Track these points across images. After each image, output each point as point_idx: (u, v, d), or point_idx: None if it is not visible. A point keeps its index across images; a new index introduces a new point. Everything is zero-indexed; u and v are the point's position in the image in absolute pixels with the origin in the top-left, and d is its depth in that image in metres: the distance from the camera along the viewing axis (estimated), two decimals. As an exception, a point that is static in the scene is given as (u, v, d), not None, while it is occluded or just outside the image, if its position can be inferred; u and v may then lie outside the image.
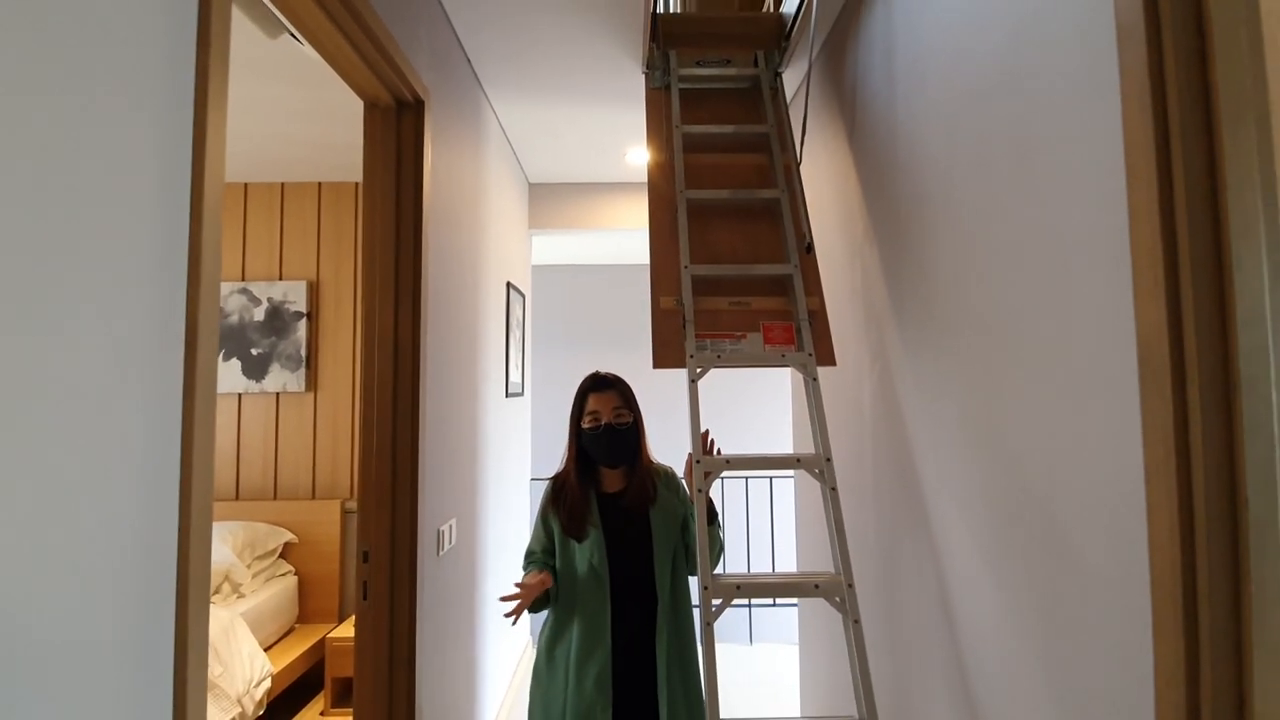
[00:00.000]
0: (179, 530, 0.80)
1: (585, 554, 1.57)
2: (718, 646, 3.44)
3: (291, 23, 1.40)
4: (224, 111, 0.91)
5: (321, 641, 2.90)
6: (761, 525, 4.58)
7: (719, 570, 1.60)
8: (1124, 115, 0.86)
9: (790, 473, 3.14)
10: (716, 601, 1.34)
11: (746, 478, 4.27)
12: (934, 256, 1.43)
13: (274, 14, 1.57)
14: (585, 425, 1.64)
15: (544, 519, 1.67)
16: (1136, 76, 0.84)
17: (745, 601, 4.38)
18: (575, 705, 1.49)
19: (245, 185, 3.40)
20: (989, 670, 1.20)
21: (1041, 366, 1.05)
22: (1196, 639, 0.78)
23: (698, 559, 1.39)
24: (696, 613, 1.48)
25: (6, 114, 0.61)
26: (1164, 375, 0.80)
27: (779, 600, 4.10)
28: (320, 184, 3.45)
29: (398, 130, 1.71)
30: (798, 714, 1.49)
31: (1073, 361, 0.97)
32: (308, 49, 1.86)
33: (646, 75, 2.33)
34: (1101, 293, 0.92)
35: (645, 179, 2.09)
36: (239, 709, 2.34)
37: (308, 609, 3.15)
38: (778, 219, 1.93)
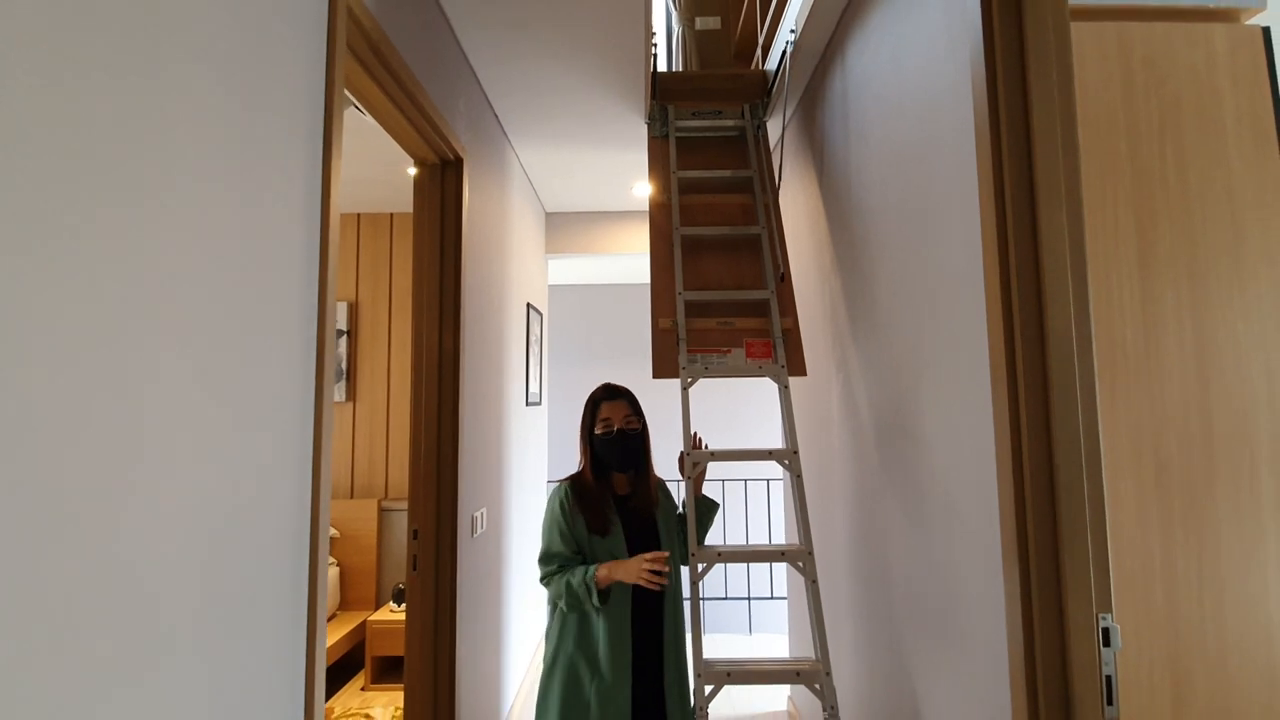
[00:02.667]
0: (311, 496, 1.15)
1: (608, 549, 1.69)
2: (718, 637, 3.78)
3: (363, 105, 1.78)
4: (339, 167, 1.26)
5: (362, 625, 3.24)
6: (759, 523, 4.89)
7: (711, 542, 1.91)
8: (979, 195, 1.20)
9: (781, 477, 3.46)
10: (701, 566, 1.67)
11: (745, 480, 4.59)
12: (875, 284, 1.76)
13: (348, 96, 1.94)
14: (598, 431, 1.76)
15: (565, 521, 1.71)
16: (986, 166, 1.18)
17: (744, 595, 4.68)
18: (602, 686, 1.60)
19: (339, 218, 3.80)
20: (912, 603, 1.52)
21: (942, 375, 1.37)
22: (1028, 565, 1.10)
23: (681, 531, 1.71)
24: (687, 605, 1.70)
25: (238, 173, 0.96)
26: (1003, 380, 1.13)
27: (775, 594, 4.39)
28: (359, 215, 3.85)
29: (441, 183, 2.08)
30: (776, 677, 1.73)
31: (960, 372, 1.30)
32: (368, 118, 2.25)
33: (648, 125, 2.70)
34: (977, 318, 1.25)
35: (648, 207, 2.41)
36: (295, 678, 2.68)
37: (348, 597, 3.50)
38: (759, 251, 2.28)
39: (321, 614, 1.15)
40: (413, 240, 2.06)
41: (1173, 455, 1.24)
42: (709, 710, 1.50)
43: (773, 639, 3.96)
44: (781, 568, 4.72)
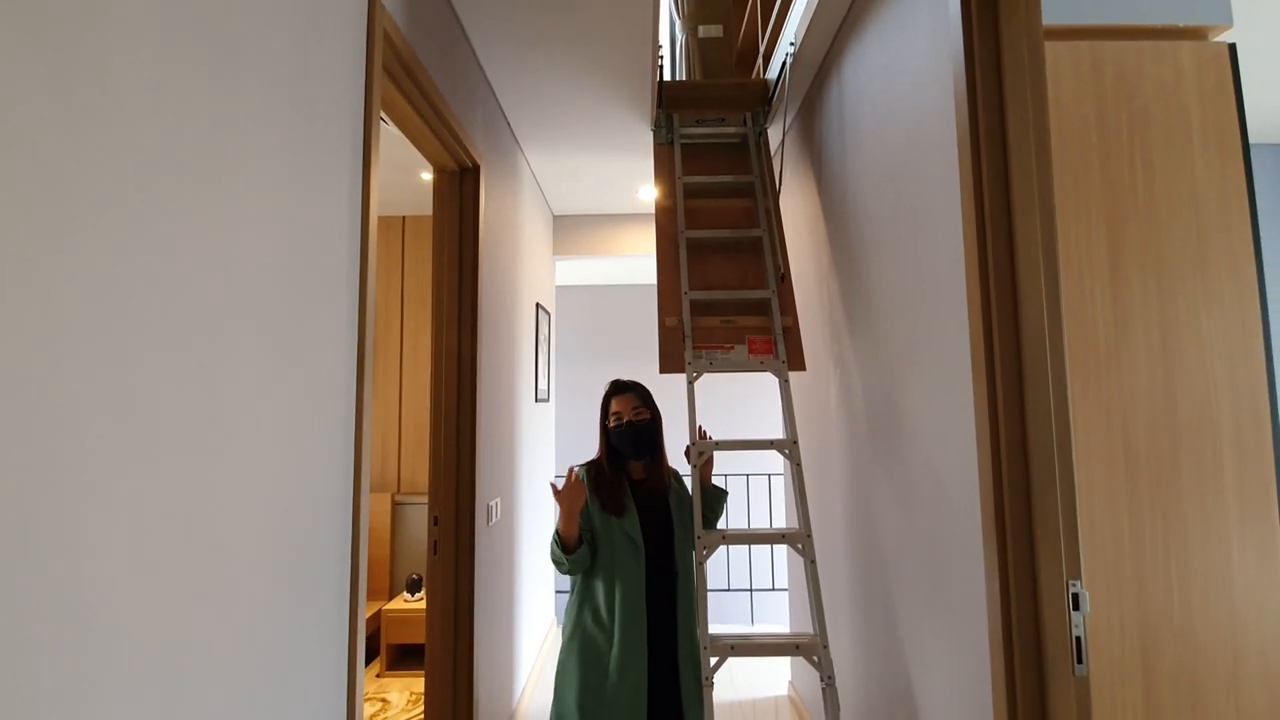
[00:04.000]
0: (353, 487, 1.26)
1: (624, 528, 1.81)
2: (723, 628, 3.90)
3: (391, 117, 1.90)
4: (376, 173, 1.38)
5: (378, 613, 3.35)
6: (760, 516, 5.00)
7: (721, 525, 2.03)
8: (961, 202, 1.31)
9: (782, 472, 3.57)
10: (706, 549, 1.78)
11: (748, 475, 4.71)
12: (869, 285, 1.87)
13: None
14: (611, 424, 1.90)
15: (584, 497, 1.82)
16: (966, 174, 1.29)
17: (747, 587, 4.79)
18: (619, 656, 1.71)
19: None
20: (904, 581, 1.63)
21: (929, 368, 1.48)
22: (1005, 538, 1.21)
23: (693, 515, 1.82)
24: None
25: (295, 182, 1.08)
26: (982, 369, 1.24)
27: (777, 586, 4.50)
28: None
29: (460, 191, 2.20)
30: (777, 649, 1.84)
31: (945, 365, 1.41)
32: (390, 127, 2.36)
33: (654, 132, 2.81)
34: (960, 314, 1.36)
35: (654, 211, 2.53)
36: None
37: (363, 588, 3.62)
38: (760, 253, 2.39)
39: (362, 588, 1.27)
40: (432, 244, 2.17)
41: (1141, 439, 1.35)
42: (714, 681, 1.61)
43: (774, 630, 4.07)
44: (783, 560, 4.83)
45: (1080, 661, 1.15)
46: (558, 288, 5.19)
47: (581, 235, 4.21)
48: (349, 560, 1.23)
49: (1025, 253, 1.23)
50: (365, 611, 1.28)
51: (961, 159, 1.29)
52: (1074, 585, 1.16)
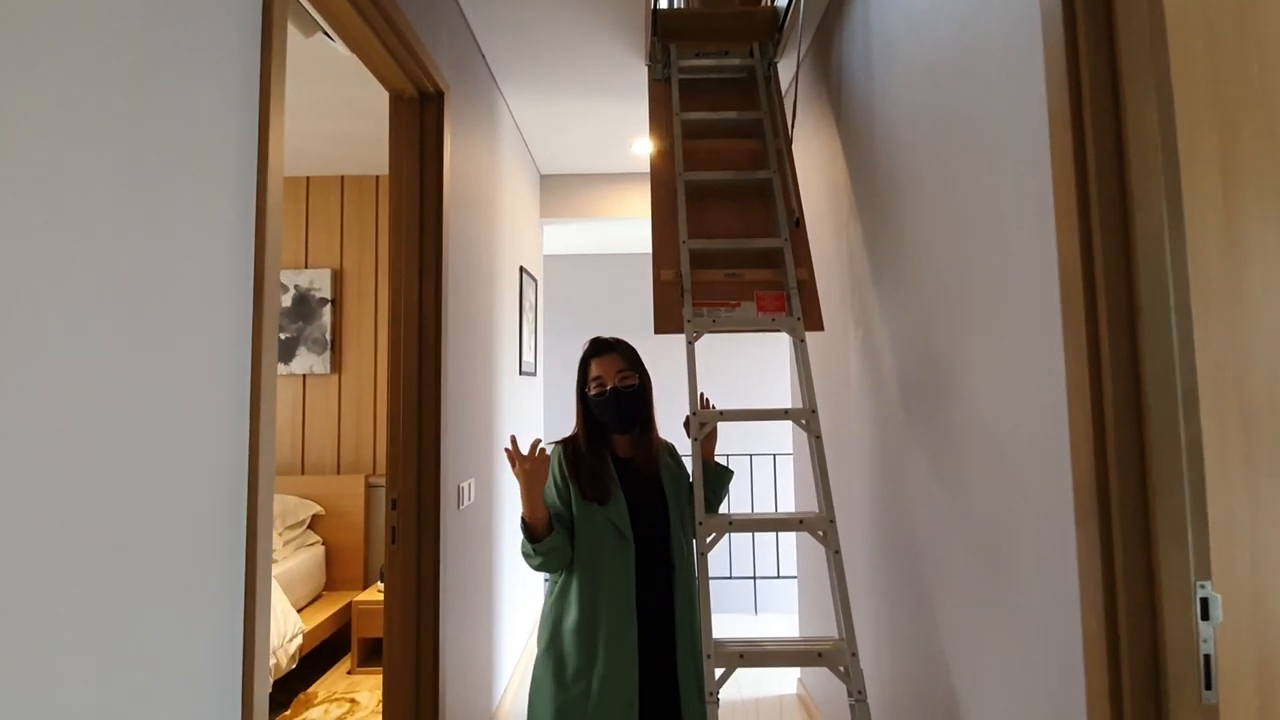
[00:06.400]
0: (248, 481, 0.96)
1: (608, 517, 1.49)
2: (726, 617, 3.58)
3: (327, 21, 1.57)
4: (283, 107, 1.07)
5: (348, 606, 3.08)
6: (764, 500, 4.74)
7: (723, 509, 1.72)
8: (1047, 87, 1.00)
9: (790, 450, 3.29)
10: (710, 536, 1.50)
11: (751, 454, 4.44)
12: (903, 225, 1.57)
13: (311, 14, 1.74)
14: (591, 392, 1.56)
15: (557, 483, 1.55)
16: (1056, 52, 0.98)
17: (750, 575, 4.54)
18: (605, 670, 1.41)
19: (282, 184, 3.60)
20: (945, 574, 1.35)
21: (986, 312, 1.19)
22: (1110, 525, 0.92)
23: (694, 495, 1.53)
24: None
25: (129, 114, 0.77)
26: (1079, 302, 0.94)
27: (782, 574, 4.25)
28: (343, 177, 3.64)
29: (421, 120, 1.88)
30: (795, 658, 1.57)
31: (1010, 313, 1.12)
32: (339, 46, 2.04)
33: (649, 68, 2.49)
34: (1031, 242, 1.06)
35: (649, 169, 2.22)
36: (273, 660, 2.53)
37: (335, 577, 3.34)
38: (770, 199, 2.08)
39: (262, 610, 0.98)
40: (389, 180, 1.86)
41: (1259, 396, 1.06)
42: (719, 697, 1.33)
43: (779, 618, 3.81)
44: (789, 546, 4.57)
45: (1209, 687, 0.87)
46: (549, 257, 4.87)
47: (571, 197, 3.88)
48: (241, 575, 0.94)
49: (1139, 147, 0.93)
50: (265, 625, 0.99)
51: (1048, 27, 0.99)
52: (1203, 587, 0.88)
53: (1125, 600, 0.89)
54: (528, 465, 1.43)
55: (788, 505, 4.66)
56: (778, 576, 4.16)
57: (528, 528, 1.46)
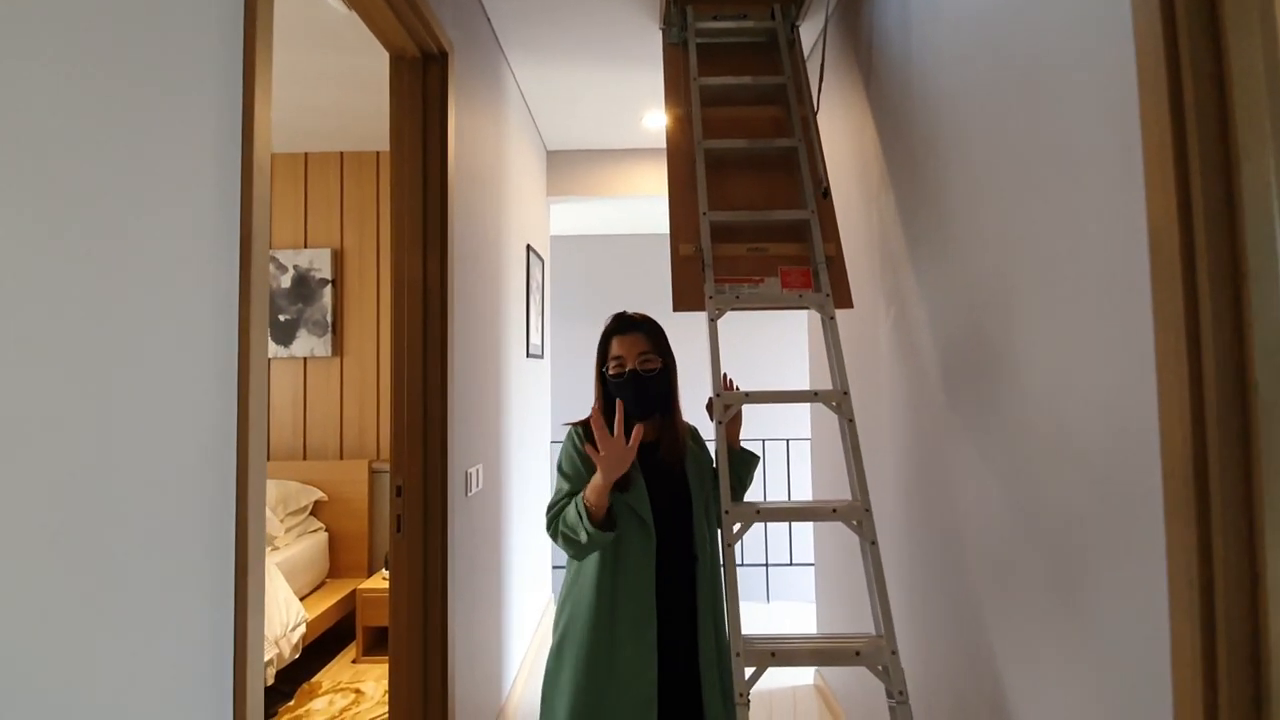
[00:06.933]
0: (238, 470, 0.86)
1: (629, 504, 1.38)
2: (746, 607, 3.39)
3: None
4: (269, 76, 0.96)
5: (352, 593, 3.00)
6: (777, 488, 4.65)
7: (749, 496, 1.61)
8: (1134, 22, 0.88)
9: (807, 435, 3.18)
10: (736, 526, 1.40)
11: (764, 440, 4.33)
12: (947, 189, 1.45)
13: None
14: (610, 372, 1.46)
15: (578, 462, 1.44)
16: (1148, -21, 0.86)
17: (762, 562, 4.46)
18: (623, 666, 1.32)
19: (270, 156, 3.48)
20: (994, 568, 1.25)
21: (1050, 280, 1.08)
22: (1209, 518, 0.81)
23: (717, 485, 1.43)
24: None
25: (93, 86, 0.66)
26: (1174, 263, 0.83)
27: (795, 561, 4.17)
28: (343, 153, 3.51)
29: (424, 82, 1.76)
30: (830, 657, 1.47)
31: (1082, 266, 1.00)
32: (335, 3, 1.91)
33: (664, 31, 2.35)
34: (1109, 198, 0.95)
35: (663, 143, 2.11)
36: (275, 650, 2.45)
37: (338, 564, 3.27)
38: (794, 168, 1.96)
39: (255, 606, 0.88)
40: (390, 149, 1.74)
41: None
42: (749, 698, 1.24)
43: (792, 606, 3.74)
44: (801, 534, 4.48)
45: (1320, 702, 0.77)
46: (557, 238, 4.75)
47: (580, 173, 3.75)
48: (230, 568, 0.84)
49: (1244, 88, 0.81)
50: (260, 626, 0.89)
51: (1141, -47, 0.86)
52: (1316, 587, 0.77)
53: (1224, 602, 0.79)
54: (618, 450, 1.30)
55: (801, 493, 4.57)
56: (790, 564, 4.08)
57: (590, 513, 1.32)
